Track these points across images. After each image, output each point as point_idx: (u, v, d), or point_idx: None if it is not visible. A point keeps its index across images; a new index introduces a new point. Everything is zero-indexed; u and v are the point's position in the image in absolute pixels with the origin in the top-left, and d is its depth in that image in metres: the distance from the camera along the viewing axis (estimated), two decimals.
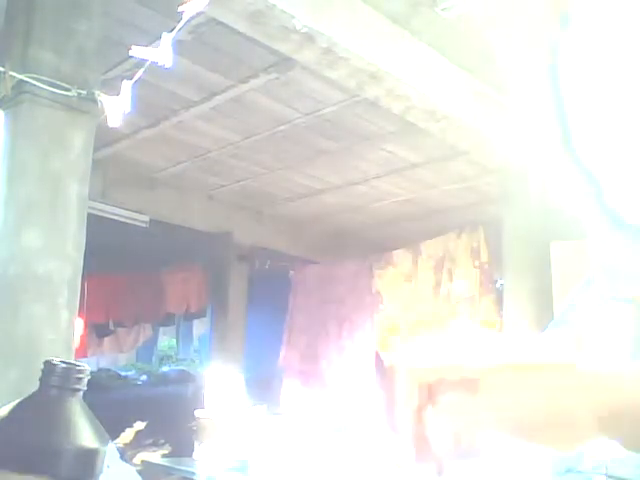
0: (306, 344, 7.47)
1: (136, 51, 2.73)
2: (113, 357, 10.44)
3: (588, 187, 0.54)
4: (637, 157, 0.51)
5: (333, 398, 6.99)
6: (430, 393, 0.49)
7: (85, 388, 0.70)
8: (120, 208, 6.60)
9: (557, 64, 0.54)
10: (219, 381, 4.55)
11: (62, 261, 2.96)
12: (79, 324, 7.81)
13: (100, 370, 9.66)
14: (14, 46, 3.10)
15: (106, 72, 3.98)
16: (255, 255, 7.88)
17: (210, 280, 8.28)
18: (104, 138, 5.16)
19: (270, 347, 7.92)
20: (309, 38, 3.52)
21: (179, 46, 2.97)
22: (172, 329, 10.00)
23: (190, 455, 4.18)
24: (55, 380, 0.69)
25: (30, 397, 0.70)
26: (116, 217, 6.57)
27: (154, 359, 11.48)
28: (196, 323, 9.63)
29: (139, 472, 3.94)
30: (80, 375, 0.70)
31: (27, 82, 2.92)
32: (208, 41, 4.26)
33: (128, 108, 2.89)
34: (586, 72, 0.52)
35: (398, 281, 6.83)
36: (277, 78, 4.70)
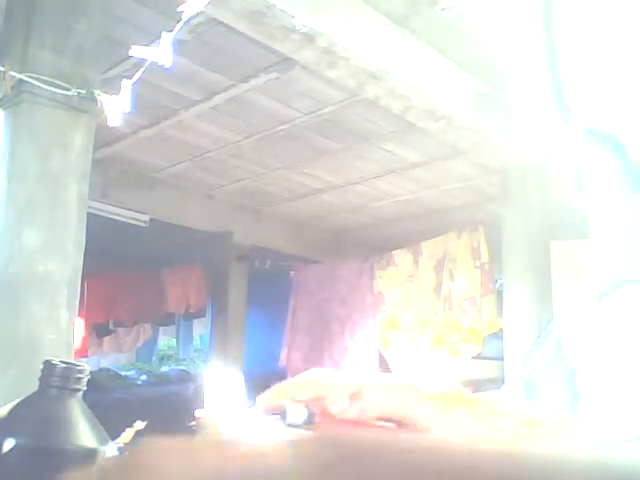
0: (309, 345, 7.47)
1: (136, 50, 2.73)
2: (113, 357, 10.44)
3: (606, 149, 0.52)
4: None
5: None
6: None
7: (85, 388, 0.70)
8: (120, 208, 6.60)
9: (557, 61, 0.54)
10: (219, 381, 4.55)
11: (62, 261, 2.96)
12: (79, 324, 7.80)
13: (100, 370, 9.66)
14: (14, 46, 3.10)
15: (106, 71, 3.98)
16: (255, 255, 7.88)
17: (210, 280, 8.28)
18: (104, 138, 5.16)
19: (270, 347, 7.93)
20: (309, 38, 3.52)
21: (179, 46, 2.97)
22: (172, 329, 10.00)
23: None
24: (55, 380, 0.69)
25: (30, 397, 0.70)
26: (116, 217, 6.57)
27: (154, 359, 11.48)
28: (196, 323, 9.63)
29: None
30: (80, 375, 0.70)
31: (27, 82, 2.92)
32: (208, 41, 4.26)
33: (128, 107, 2.89)
34: (588, 67, 0.51)
35: (399, 281, 6.83)
36: (277, 78, 4.70)
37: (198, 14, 2.89)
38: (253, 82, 4.78)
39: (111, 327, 9.27)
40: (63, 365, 0.68)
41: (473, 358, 6.29)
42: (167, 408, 6.20)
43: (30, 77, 2.91)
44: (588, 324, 0.59)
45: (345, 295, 7.25)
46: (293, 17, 3.35)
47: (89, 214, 3.17)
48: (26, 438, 0.64)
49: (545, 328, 0.70)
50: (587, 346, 0.59)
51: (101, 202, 6.24)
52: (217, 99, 5.08)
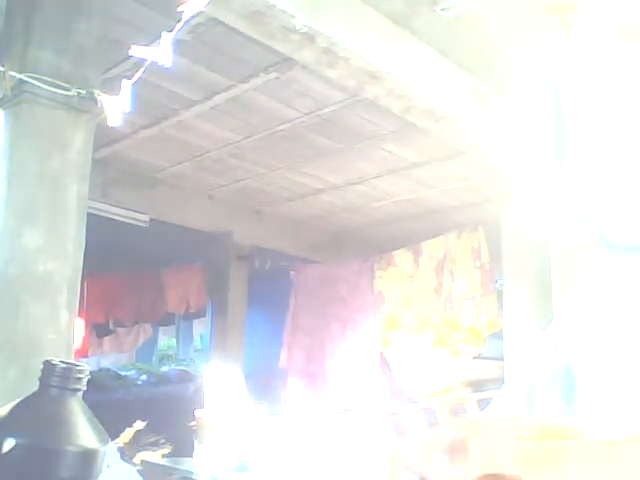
0: (309, 345, 7.46)
1: (136, 50, 2.73)
2: (113, 357, 10.44)
3: (576, 202, 0.54)
4: (628, 177, 0.51)
5: (337, 398, 6.98)
6: None
7: (85, 388, 0.70)
8: (120, 208, 6.59)
9: (556, 64, 0.54)
10: (219, 381, 4.54)
11: (62, 261, 2.96)
12: (79, 324, 7.80)
13: (100, 370, 9.66)
14: (14, 46, 3.10)
15: (106, 71, 3.98)
16: (255, 255, 7.88)
17: (210, 280, 8.28)
18: (104, 138, 5.16)
19: (270, 347, 7.92)
20: (309, 38, 3.51)
21: (179, 46, 2.97)
22: (172, 329, 9.99)
23: (190, 455, 4.17)
24: (55, 380, 0.69)
25: (30, 397, 0.69)
26: (116, 217, 6.57)
27: (154, 359, 11.47)
28: (196, 323, 9.63)
29: (139, 472, 3.94)
30: (80, 375, 0.69)
31: (27, 82, 2.92)
32: (208, 41, 4.26)
33: (128, 107, 2.89)
34: (585, 82, 0.52)
35: (400, 281, 6.83)
36: (277, 78, 4.70)
37: (198, 14, 2.89)
38: (253, 82, 4.77)
39: (111, 327, 9.27)
40: (63, 365, 0.68)
41: (474, 358, 6.29)
42: (167, 408, 6.19)
43: (30, 77, 2.91)
44: (588, 325, 0.59)
45: (345, 295, 7.24)
46: (293, 17, 3.35)
47: (89, 214, 3.17)
48: (26, 438, 0.64)
49: (545, 328, 0.69)
50: (587, 346, 0.59)
51: (101, 202, 6.23)
52: (217, 99, 5.08)
